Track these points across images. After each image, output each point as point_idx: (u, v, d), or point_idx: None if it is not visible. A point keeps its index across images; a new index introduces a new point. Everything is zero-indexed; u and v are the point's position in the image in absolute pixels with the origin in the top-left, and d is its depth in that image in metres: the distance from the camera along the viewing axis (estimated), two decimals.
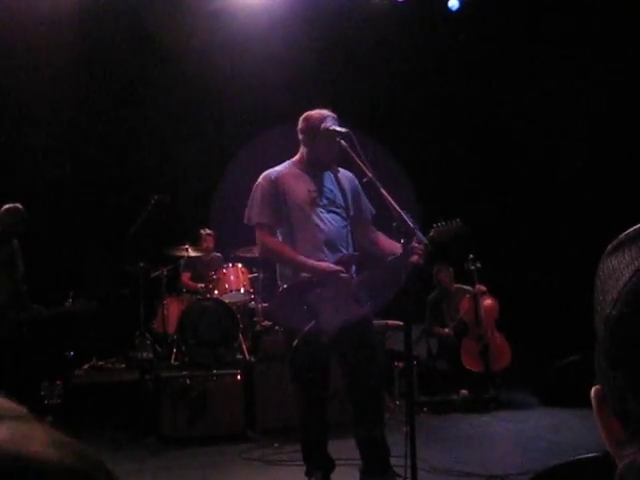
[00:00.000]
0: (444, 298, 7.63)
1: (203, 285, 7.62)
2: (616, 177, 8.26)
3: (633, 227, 0.67)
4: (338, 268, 3.90)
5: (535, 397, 7.01)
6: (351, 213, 4.12)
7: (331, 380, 4.08)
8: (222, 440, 5.83)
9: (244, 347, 6.98)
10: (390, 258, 3.89)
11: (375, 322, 4.61)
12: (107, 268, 8.24)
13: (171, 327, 7.34)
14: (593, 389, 0.66)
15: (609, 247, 0.68)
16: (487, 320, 7.15)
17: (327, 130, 3.92)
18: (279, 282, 4.07)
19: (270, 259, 4.16)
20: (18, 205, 6.30)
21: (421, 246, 3.69)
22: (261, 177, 4.07)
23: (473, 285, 7.23)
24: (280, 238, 4.05)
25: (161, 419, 5.97)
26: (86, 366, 7.92)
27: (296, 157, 4.14)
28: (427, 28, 9.06)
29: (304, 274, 3.94)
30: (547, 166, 9.04)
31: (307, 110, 4.10)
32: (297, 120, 4.10)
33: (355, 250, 4.11)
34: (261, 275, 7.33)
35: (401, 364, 6.68)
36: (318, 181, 4.07)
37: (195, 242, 7.81)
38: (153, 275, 7.70)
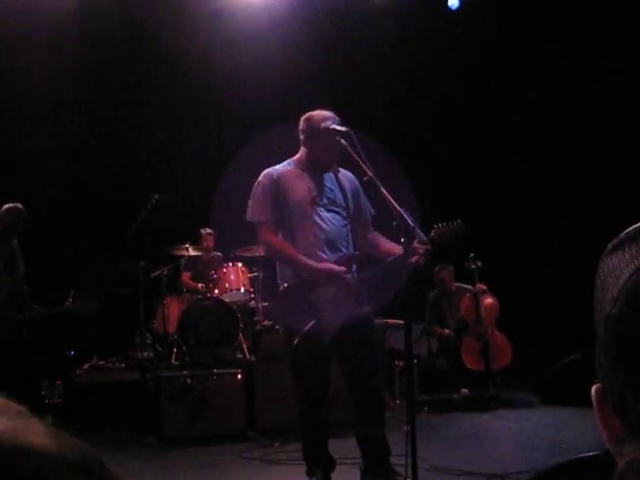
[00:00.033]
0: (445, 297, 7.63)
1: (203, 284, 7.63)
2: (616, 176, 8.26)
3: (633, 226, 0.67)
4: (341, 269, 3.90)
5: (536, 396, 7.01)
6: (351, 213, 4.12)
7: (331, 379, 4.09)
8: (222, 439, 5.83)
9: (244, 346, 6.98)
10: (391, 258, 3.89)
11: (375, 321, 4.61)
12: (107, 268, 8.24)
13: (171, 326, 7.35)
14: (593, 388, 0.67)
15: (609, 246, 0.68)
16: (488, 319, 7.15)
17: (327, 129, 3.92)
18: (279, 281, 4.07)
19: (272, 257, 4.15)
20: (18, 205, 6.30)
21: (423, 247, 3.69)
22: (262, 175, 4.07)
23: (474, 284, 7.23)
24: (280, 237, 4.05)
25: (161, 419, 5.97)
26: (86, 366, 7.92)
27: (296, 156, 4.14)
28: (427, 27, 9.06)
29: (304, 273, 3.94)
30: (547, 165, 9.04)
31: (307, 110, 4.10)
32: (297, 120, 4.11)
33: (355, 249, 4.12)
34: (261, 274, 7.34)
35: (401, 363, 6.69)
36: (318, 180, 4.07)
37: (195, 241, 7.81)
38: (153, 274, 7.71)
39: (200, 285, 7.70)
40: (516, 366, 7.11)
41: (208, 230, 8.00)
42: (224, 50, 8.47)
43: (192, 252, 7.64)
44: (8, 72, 8.24)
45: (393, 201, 3.63)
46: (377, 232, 4.21)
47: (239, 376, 6.16)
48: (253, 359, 6.64)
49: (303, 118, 4.06)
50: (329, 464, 4.16)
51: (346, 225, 4.08)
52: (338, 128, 3.90)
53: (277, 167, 4.10)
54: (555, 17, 8.52)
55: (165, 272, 7.69)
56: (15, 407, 0.51)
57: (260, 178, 4.07)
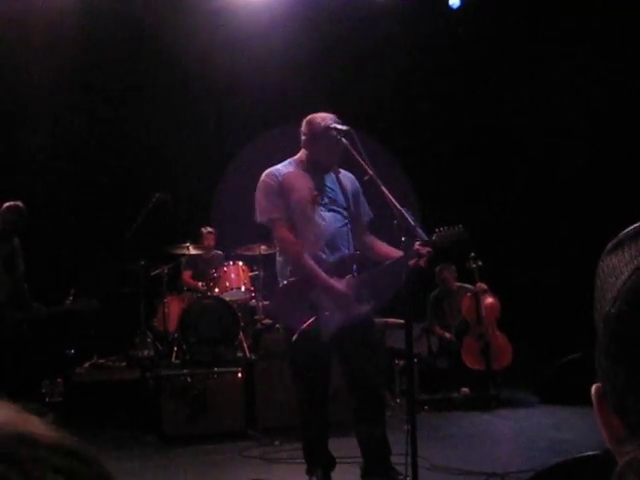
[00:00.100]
0: (446, 297, 7.63)
1: (204, 283, 7.63)
2: (616, 175, 8.26)
3: (633, 225, 0.67)
4: (349, 294, 3.89)
5: (536, 395, 7.01)
6: (352, 213, 4.12)
7: (332, 378, 4.09)
8: (223, 438, 5.83)
9: (245, 345, 6.99)
10: (391, 260, 3.90)
11: (375, 320, 4.62)
12: (108, 266, 8.25)
13: (172, 325, 7.35)
14: (593, 387, 0.67)
15: (609, 245, 0.68)
16: (488, 318, 7.15)
17: (328, 128, 3.93)
18: (279, 279, 4.07)
19: (285, 256, 4.09)
20: (19, 203, 6.29)
21: (426, 249, 3.70)
22: (264, 175, 4.06)
23: (474, 283, 7.22)
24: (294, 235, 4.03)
25: (162, 417, 5.97)
26: (87, 364, 7.94)
27: (297, 156, 4.14)
28: (428, 26, 9.06)
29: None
30: (548, 164, 9.04)
31: (307, 110, 4.11)
32: (297, 120, 4.12)
33: (355, 249, 4.12)
34: (262, 273, 7.33)
35: (402, 362, 6.69)
36: (319, 180, 4.07)
37: (196, 240, 7.82)
38: (154, 273, 7.71)
39: (201, 284, 7.71)
40: (516, 366, 7.11)
41: (209, 229, 8.00)
42: (224, 50, 8.47)
43: (193, 251, 7.64)
44: (8, 72, 8.24)
45: (394, 200, 3.63)
46: (373, 236, 4.21)
47: (239, 375, 6.16)
48: (253, 358, 6.64)
49: (305, 120, 4.06)
50: (329, 463, 4.17)
51: (347, 225, 4.08)
52: (339, 127, 3.91)
53: (278, 167, 4.09)
54: (556, 16, 8.52)
55: (166, 271, 7.69)
56: (13, 405, 0.53)
57: (263, 178, 4.06)
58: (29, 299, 6.41)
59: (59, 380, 5.76)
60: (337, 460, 4.22)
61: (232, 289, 7.38)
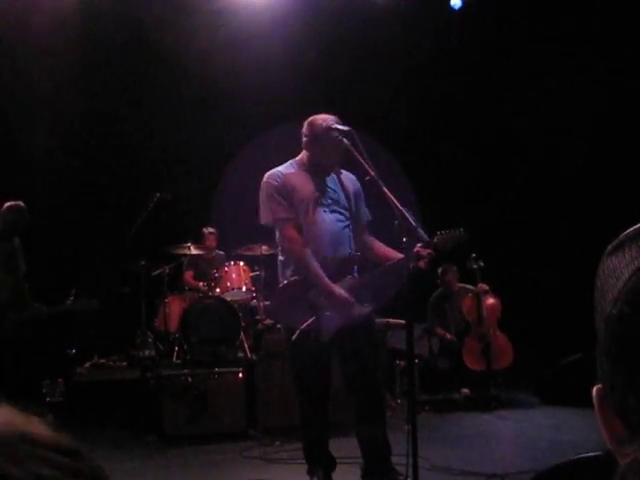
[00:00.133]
0: (447, 297, 7.63)
1: (205, 283, 7.63)
2: (617, 176, 8.25)
3: (633, 227, 0.67)
4: (351, 299, 3.89)
5: (536, 396, 7.01)
6: (353, 214, 4.12)
7: (332, 379, 4.09)
8: (223, 438, 5.84)
9: (246, 345, 6.99)
10: (392, 261, 3.89)
11: (376, 320, 4.62)
12: (109, 266, 8.25)
13: (173, 325, 7.35)
14: (594, 388, 0.67)
15: (609, 247, 0.68)
16: (489, 319, 7.15)
17: (329, 129, 3.93)
18: (280, 279, 4.07)
19: (290, 257, 4.07)
20: (20, 203, 6.29)
21: (427, 251, 3.70)
22: (267, 176, 4.05)
23: (475, 284, 7.22)
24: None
25: (162, 417, 5.97)
26: (88, 364, 7.94)
27: (298, 158, 4.14)
28: (429, 27, 9.06)
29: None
30: (548, 164, 9.03)
31: (307, 110, 4.11)
32: (297, 120, 4.12)
33: (357, 250, 4.12)
34: (263, 273, 7.33)
35: (402, 363, 6.69)
36: (321, 181, 4.07)
37: (197, 240, 7.82)
38: (155, 273, 7.71)
39: (202, 284, 7.71)
40: (517, 366, 7.11)
41: (210, 229, 8.00)
42: (225, 50, 8.46)
43: (194, 251, 7.64)
44: (8, 72, 8.24)
45: (395, 200, 3.64)
46: (373, 237, 4.21)
47: (240, 375, 6.16)
48: (254, 358, 6.64)
49: (307, 122, 4.06)
50: (330, 463, 4.17)
51: (348, 226, 4.08)
52: (340, 127, 3.91)
53: (279, 168, 4.09)
54: (556, 16, 8.51)
55: (167, 271, 7.69)
56: (13, 408, 0.55)
57: (266, 179, 4.04)
58: (30, 299, 6.41)
59: (60, 380, 5.76)
60: (337, 460, 4.22)
61: (233, 289, 7.38)
